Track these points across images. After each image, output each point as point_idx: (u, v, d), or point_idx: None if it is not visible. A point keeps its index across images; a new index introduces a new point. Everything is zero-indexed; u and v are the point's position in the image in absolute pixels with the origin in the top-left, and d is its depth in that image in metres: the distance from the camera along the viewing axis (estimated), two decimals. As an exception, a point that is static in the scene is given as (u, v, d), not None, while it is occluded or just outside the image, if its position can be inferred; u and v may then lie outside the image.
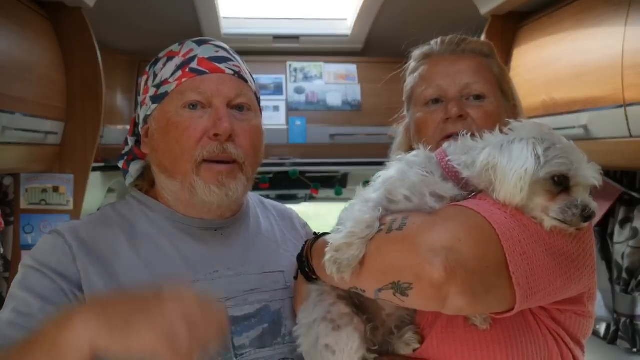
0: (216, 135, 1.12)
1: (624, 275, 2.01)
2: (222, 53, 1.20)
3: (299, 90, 2.93)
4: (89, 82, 2.17)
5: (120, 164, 1.30)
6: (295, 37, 2.89)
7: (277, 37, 2.88)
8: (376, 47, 2.90)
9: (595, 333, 2.19)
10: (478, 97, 1.16)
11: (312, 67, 2.99)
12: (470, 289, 0.84)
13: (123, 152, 1.31)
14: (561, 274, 0.90)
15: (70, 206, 2.19)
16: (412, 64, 1.29)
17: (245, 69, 1.24)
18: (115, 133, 2.65)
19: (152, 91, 1.20)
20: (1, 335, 0.98)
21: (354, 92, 2.94)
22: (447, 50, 1.22)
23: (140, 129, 1.25)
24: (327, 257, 0.93)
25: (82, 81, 2.16)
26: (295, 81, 2.94)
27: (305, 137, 2.86)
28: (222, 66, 1.17)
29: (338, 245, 0.92)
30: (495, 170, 0.92)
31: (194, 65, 1.16)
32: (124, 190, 2.88)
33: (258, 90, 1.29)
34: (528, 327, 0.98)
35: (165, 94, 1.17)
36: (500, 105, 1.19)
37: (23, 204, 2.16)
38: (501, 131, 1.00)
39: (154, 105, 1.19)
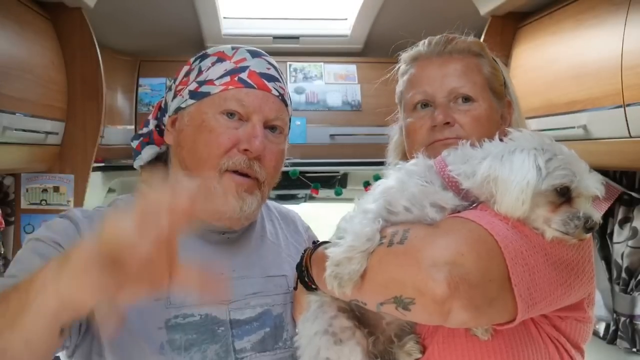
0: (246, 150, 1.12)
1: (624, 275, 2.01)
2: (272, 71, 1.20)
3: (298, 91, 2.92)
4: (89, 82, 2.17)
5: (134, 145, 1.28)
6: (295, 37, 2.89)
7: (277, 37, 2.88)
8: (376, 47, 2.90)
9: (595, 333, 2.20)
10: (466, 100, 1.14)
11: (312, 67, 2.98)
12: (473, 304, 0.83)
13: (140, 132, 1.29)
14: (562, 283, 0.90)
15: (71, 206, 2.19)
16: (401, 66, 1.27)
17: (287, 92, 1.24)
18: (115, 133, 2.65)
19: (192, 86, 1.18)
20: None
21: (354, 92, 2.94)
22: (434, 52, 1.19)
23: (167, 116, 1.23)
24: (328, 272, 0.93)
25: (82, 81, 2.16)
26: (295, 81, 2.94)
27: (305, 137, 2.85)
28: (270, 85, 1.17)
29: (339, 259, 0.92)
30: (497, 183, 0.91)
31: (244, 75, 1.16)
32: (124, 190, 2.88)
33: (291, 115, 1.29)
34: (529, 335, 0.98)
35: (207, 94, 1.16)
36: (491, 107, 1.17)
37: (23, 204, 2.16)
38: (501, 139, 0.99)
39: (191, 101, 1.17)
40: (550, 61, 1.96)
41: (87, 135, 2.19)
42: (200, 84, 1.17)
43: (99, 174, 2.63)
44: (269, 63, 1.22)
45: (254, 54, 1.21)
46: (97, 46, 2.18)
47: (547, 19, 2.04)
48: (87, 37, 2.15)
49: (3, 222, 2.05)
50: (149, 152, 1.27)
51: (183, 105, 1.19)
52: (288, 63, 2.98)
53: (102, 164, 2.60)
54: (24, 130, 1.80)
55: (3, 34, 1.70)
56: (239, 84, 1.15)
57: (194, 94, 1.17)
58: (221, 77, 1.16)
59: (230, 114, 1.14)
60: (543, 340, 0.99)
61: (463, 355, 0.98)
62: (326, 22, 2.91)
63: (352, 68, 2.99)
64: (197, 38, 2.70)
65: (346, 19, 2.86)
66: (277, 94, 1.18)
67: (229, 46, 1.22)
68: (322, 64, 2.99)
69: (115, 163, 2.66)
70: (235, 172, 1.13)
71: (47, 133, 1.99)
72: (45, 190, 2.17)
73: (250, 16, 2.86)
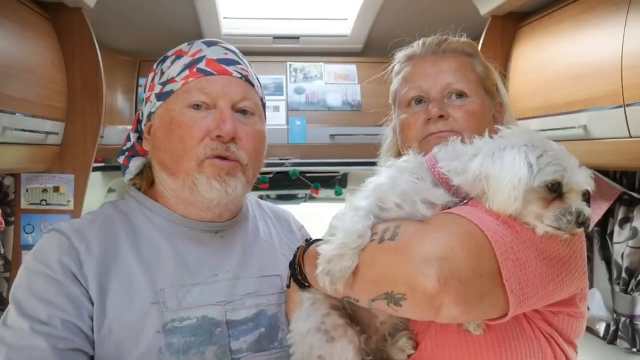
0: (218, 136, 1.12)
1: (624, 275, 2.01)
2: (230, 55, 1.20)
3: (299, 91, 2.93)
4: (89, 82, 2.17)
5: (121, 160, 1.29)
6: (295, 37, 2.89)
7: (277, 37, 2.88)
8: (376, 47, 2.90)
9: (595, 333, 2.20)
10: (459, 96, 1.16)
11: (312, 67, 2.99)
12: (463, 299, 0.83)
13: (124, 147, 1.30)
14: (553, 278, 0.90)
15: (71, 206, 2.19)
16: (395, 66, 1.29)
17: (252, 73, 1.23)
18: (115, 133, 2.66)
19: (157, 88, 1.19)
20: (26, 345, 0.98)
21: (354, 92, 2.94)
22: (428, 51, 1.22)
23: (143, 126, 1.24)
24: (320, 269, 0.93)
25: (82, 81, 2.17)
26: (295, 81, 2.95)
27: (305, 137, 2.86)
28: (229, 68, 1.17)
29: (330, 256, 0.92)
30: (488, 180, 0.92)
31: (201, 65, 1.16)
32: (124, 190, 2.88)
33: (264, 96, 1.29)
34: (521, 330, 0.98)
35: (171, 92, 1.16)
36: (484, 104, 1.18)
37: (23, 204, 2.16)
38: (491, 136, 0.99)
39: (159, 103, 1.18)
40: (550, 61, 1.96)
41: (87, 135, 2.19)
42: (164, 84, 1.18)
43: (98, 174, 2.63)
44: (226, 48, 1.21)
45: (209, 44, 1.21)
46: (97, 46, 2.19)
47: (547, 19, 2.04)
48: (87, 37, 2.16)
49: (3, 222, 2.05)
50: (135, 164, 1.28)
51: (153, 110, 1.19)
52: (288, 63, 2.99)
53: (102, 164, 2.60)
54: (24, 130, 1.80)
55: (3, 34, 1.71)
56: (198, 74, 1.15)
57: (159, 96, 1.18)
58: (181, 72, 1.16)
59: (196, 105, 1.14)
60: (535, 335, 0.99)
61: (456, 351, 0.98)
62: (326, 22, 2.92)
63: (352, 68, 2.99)
64: (197, 38, 2.68)
65: (346, 19, 2.86)
66: (239, 75, 1.18)
67: (186, 43, 1.22)
68: (322, 64, 3.00)
69: (115, 163, 2.66)
70: (215, 157, 1.13)
71: (47, 133, 1.99)
72: (45, 190, 2.17)
73: (250, 16, 2.86)
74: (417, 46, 1.25)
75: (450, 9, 2.37)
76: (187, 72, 1.16)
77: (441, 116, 1.14)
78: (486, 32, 2.29)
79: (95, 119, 2.20)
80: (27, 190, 2.16)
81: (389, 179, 0.99)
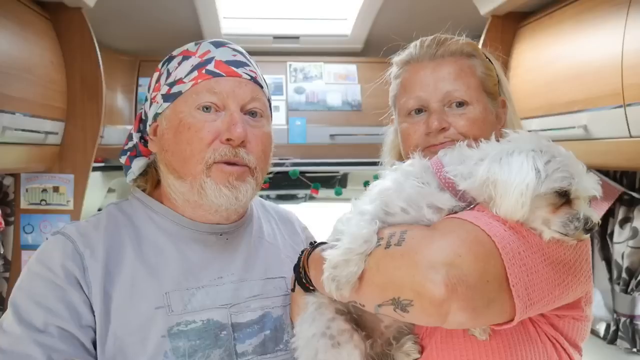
0: (228, 140, 1.11)
1: (624, 275, 2.01)
2: (239, 57, 1.19)
3: (299, 90, 2.93)
4: (89, 82, 2.18)
5: (123, 160, 1.27)
6: (295, 37, 2.89)
7: (277, 37, 2.88)
8: (376, 47, 2.90)
9: (595, 333, 2.20)
10: (460, 105, 1.13)
11: (312, 67, 2.99)
12: (471, 305, 0.83)
13: (125, 147, 1.28)
14: (560, 283, 0.90)
15: (71, 206, 2.19)
16: (393, 69, 1.25)
17: (260, 74, 1.22)
18: (115, 133, 2.66)
19: (164, 89, 1.17)
20: (21, 353, 0.98)
21: (354, 92, 2.94)
22: (425, 55, 1.18)
23: (148, 126, 1.22)
24: (326, 274, 0.93)
25: (82, 81, 2.17)
26: (295, 81, 2.95)
27: (305, 137, 2.86)
28: (238, 70, 1.16)
29: (336, 262, 0.91)
30: (496, 186, 0.91)
31: (210, 67, 1.14)
32: (124, 190, 2.89)
33: (271, 97, 1.28)
34: (527, 334, 0.98)
35: (179, 93, 1.15)
36: (485, 109, 1.16)
37: (23, 204, 2.16)
38: (497, 140, 0.98)
39: (166, 104, 1.16)
40: (550, 61, 1.96)
41: (87, 135, 2.19)
42: (171, 85, 1.16)
43: (98, 174, 2.63)
44: (235, 50, 1.20)
45: (217, 45, 1.19)
46: (97, 46, 2.19)
47: (547, 19, 2.04)
48: (87, 37, 2.16)
49: (3, 222, 2.05)
50: (138, 164, 1.26)
51: (159, 111, 1.17)
52: (288, 63, 2.99)
53: (102, 164, 2.60)
54: (24, 130, 1.80)
55: (3, 34, 1.70)
56: (207, 76, 1.13)
57: (167, 97, 1.16)
58: (189, 73, 1.14)
59: (206, 108, 1.13)
60: (541, 339, 0.99)
61: (461, 355, 0.98)
62: (326, 22, 2.92)
63: (352, 68, 2.99)
64: (197, 38, 2.68)
65: (346, 19, 2.86)
66: (248, 77, 1.17)
67: (192, 43, 1.21)
68: (322, 64, 3.00)
69: (115, 163, 2.66)
70: (223, 162, 1.12)
71: (47, 133, 1.99)
72: (45, 190, 2.17)
73: (250, 16, 2.86)
74: (414, 49, 1.21)
75: (450, 9, 2.37)
76: (195, 73, 1.14)
77: (443, 129, 1.12)
78: (486, 32, 2.30)
79: (95, 119, 2.20)
80: (26, 190, 2.16)
81: (395, 183, 0.98)
